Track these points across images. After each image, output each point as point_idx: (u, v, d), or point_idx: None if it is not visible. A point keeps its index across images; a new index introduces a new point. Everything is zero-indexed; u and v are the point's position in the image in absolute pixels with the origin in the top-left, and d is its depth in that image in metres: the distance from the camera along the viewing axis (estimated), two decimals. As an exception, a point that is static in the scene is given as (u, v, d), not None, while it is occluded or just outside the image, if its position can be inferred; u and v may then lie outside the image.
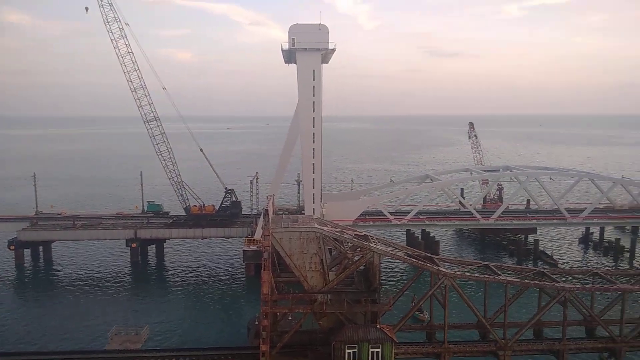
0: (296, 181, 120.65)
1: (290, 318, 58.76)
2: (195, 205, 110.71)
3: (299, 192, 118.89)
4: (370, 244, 52.96)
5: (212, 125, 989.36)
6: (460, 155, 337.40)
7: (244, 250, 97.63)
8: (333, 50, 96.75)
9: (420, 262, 54.33)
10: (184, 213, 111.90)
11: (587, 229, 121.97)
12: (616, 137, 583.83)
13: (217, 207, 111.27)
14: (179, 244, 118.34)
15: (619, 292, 53.89)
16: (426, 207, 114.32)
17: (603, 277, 56.89)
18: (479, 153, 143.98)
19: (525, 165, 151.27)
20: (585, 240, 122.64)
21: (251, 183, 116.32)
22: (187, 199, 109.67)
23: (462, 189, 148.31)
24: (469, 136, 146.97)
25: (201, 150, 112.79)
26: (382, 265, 54.94)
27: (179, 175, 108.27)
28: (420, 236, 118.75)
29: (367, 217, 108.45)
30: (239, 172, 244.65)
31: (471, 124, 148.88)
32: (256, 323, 60.03)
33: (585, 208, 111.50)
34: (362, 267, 55.59)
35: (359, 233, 57.77)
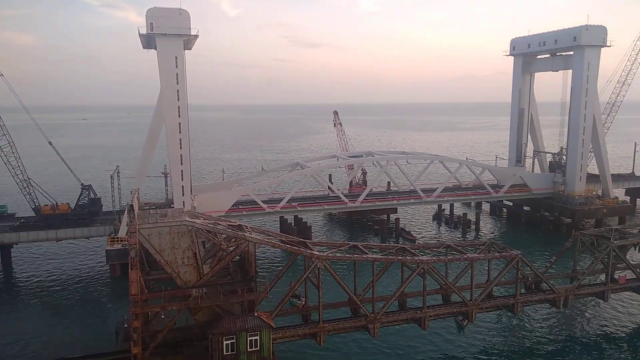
0: (163, 173, 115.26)
1: (163, 316, 56.32)
2: (46, 205, 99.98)
3: (166, 185, 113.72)
4: (245, 234, 52.79)
5: (64, 116, 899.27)
6: (327, 143, 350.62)
7: (107, 250, 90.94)
8: (196, 36, 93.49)
9: (294, 247, 55.58)
10: (33, 214, 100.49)
11: (440, 206, 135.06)
12: (459, 122, 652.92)
13: (73, 206, 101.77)
14: (30, 249, 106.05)
15: (468, 261, 60.76)
16: (298, 193, 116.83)
17: (455, 248, 63.60)
18: (344, 140, 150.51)
19: (385, 150, 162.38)
20: (438, 216, 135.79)
21: (112, 177, 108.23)
22: (37, 198, 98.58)
23: (330, 175, 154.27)
24: (334, 124, 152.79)
25: (50, 143, 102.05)
26: (257, 253, 55.12)
27: (25, 172, 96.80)
28: (293, 222, 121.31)
29: (241, 207, 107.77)
30: (97, 166, 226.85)
31: (336, 113, 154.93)
32: (125, 325, 56.52)
33: (437, 187, 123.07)
34: (237, 257, 55.25)
35: (232, 223, 57.20)
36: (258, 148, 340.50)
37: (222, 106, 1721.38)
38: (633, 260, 72.35)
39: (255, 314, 52.22)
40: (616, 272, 70.06)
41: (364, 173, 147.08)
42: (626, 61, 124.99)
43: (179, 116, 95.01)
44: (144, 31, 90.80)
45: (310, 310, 58.04)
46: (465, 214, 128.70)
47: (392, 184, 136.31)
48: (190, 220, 51.75)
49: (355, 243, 61.09)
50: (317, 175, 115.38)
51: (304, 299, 59.52)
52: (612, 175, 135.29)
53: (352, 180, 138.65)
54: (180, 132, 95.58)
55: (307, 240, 59.54)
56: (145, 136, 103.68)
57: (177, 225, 50.44)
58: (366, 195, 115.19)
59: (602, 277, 70.26)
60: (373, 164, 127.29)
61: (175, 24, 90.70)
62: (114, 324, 64.74)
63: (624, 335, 69.03)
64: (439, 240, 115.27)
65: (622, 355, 63.80)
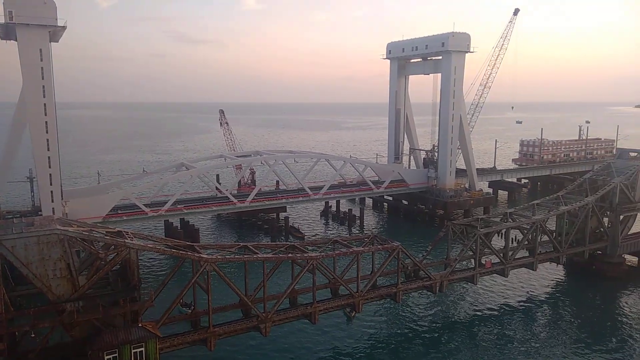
0: (28, 178, 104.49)
1: (33, 335, 50.96)
2: None
3: (32, 191, 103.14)
4: (125, 240, 49.69)
5: None
6: (214, 143, 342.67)
7: (-40, 267, 79.97)
8: (63, 27, 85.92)
9: (180, 251, 53.55)
10: None
11: (327, 203, 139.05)
12: (342, 122, 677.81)
13: None
14: None
15: (354, 255, 63.27)
16: (183, 195, 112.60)
17: (342, 243, 65.89)
18: (231, 139, 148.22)
19: (273, 149, 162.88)
20: (325, 213, 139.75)
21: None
22: None
23: (217, 175, 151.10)
24: (221, 123, 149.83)
25: None
26: (142, 260, 52.22)
27: None
28: (179, 226, 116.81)
29: (120, 212, 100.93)
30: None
31: (222, 112, 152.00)
32: (-13, 350, 50.21)
33: (324, 185, 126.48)
34: (118, 266, 51.81)
35: (111, 230, 53.56)
36: (137, 148, 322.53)
37: (94, 103, 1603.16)
38: (496, 246, 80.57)
39: (140, 325, 49.47)
40: (483, 257, 77.70)
41: (253, 173, 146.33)
42: (487, 66, 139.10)
43: (46, 114, 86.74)
44: (1, 20, 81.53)
45: (200, 315, 56.35)
46: (350, 210, 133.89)
47: (280, 183, 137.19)
48: (62, 228, 47.46)
49: (245, 243, 60.55)
50: (204, 175, 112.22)
51: (193, 307, 57.52)
52: (477, 169, 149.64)
53: (240, 180, 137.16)
54: (47, 132, 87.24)
55: (194, 244, 57.70)
56: (6, 137, 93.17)
57: (47, 235, 46.01)
58: (255, 195, 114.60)
59: (472, 263, 77.39)
60: (261, 163, 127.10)
61: (39, 14, 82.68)
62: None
63: (491, 312, 76.92)
64: (327, 236, 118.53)
65: (489, 330, 71.13)
